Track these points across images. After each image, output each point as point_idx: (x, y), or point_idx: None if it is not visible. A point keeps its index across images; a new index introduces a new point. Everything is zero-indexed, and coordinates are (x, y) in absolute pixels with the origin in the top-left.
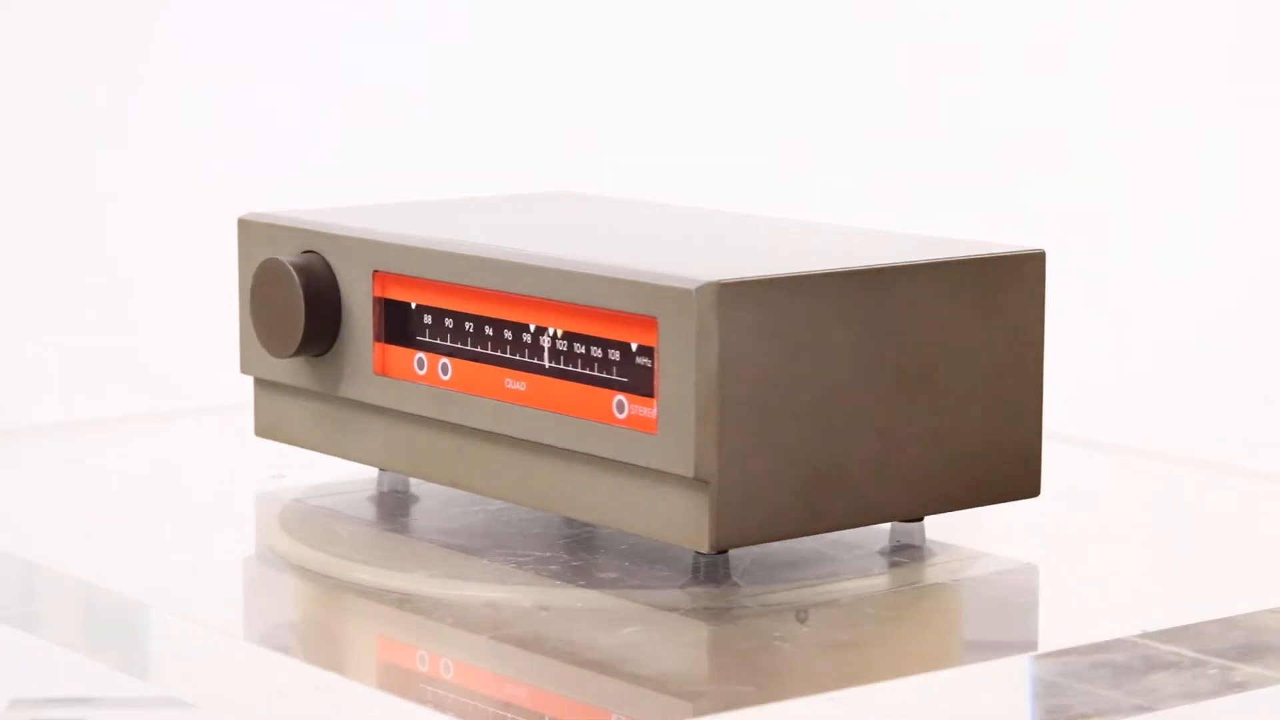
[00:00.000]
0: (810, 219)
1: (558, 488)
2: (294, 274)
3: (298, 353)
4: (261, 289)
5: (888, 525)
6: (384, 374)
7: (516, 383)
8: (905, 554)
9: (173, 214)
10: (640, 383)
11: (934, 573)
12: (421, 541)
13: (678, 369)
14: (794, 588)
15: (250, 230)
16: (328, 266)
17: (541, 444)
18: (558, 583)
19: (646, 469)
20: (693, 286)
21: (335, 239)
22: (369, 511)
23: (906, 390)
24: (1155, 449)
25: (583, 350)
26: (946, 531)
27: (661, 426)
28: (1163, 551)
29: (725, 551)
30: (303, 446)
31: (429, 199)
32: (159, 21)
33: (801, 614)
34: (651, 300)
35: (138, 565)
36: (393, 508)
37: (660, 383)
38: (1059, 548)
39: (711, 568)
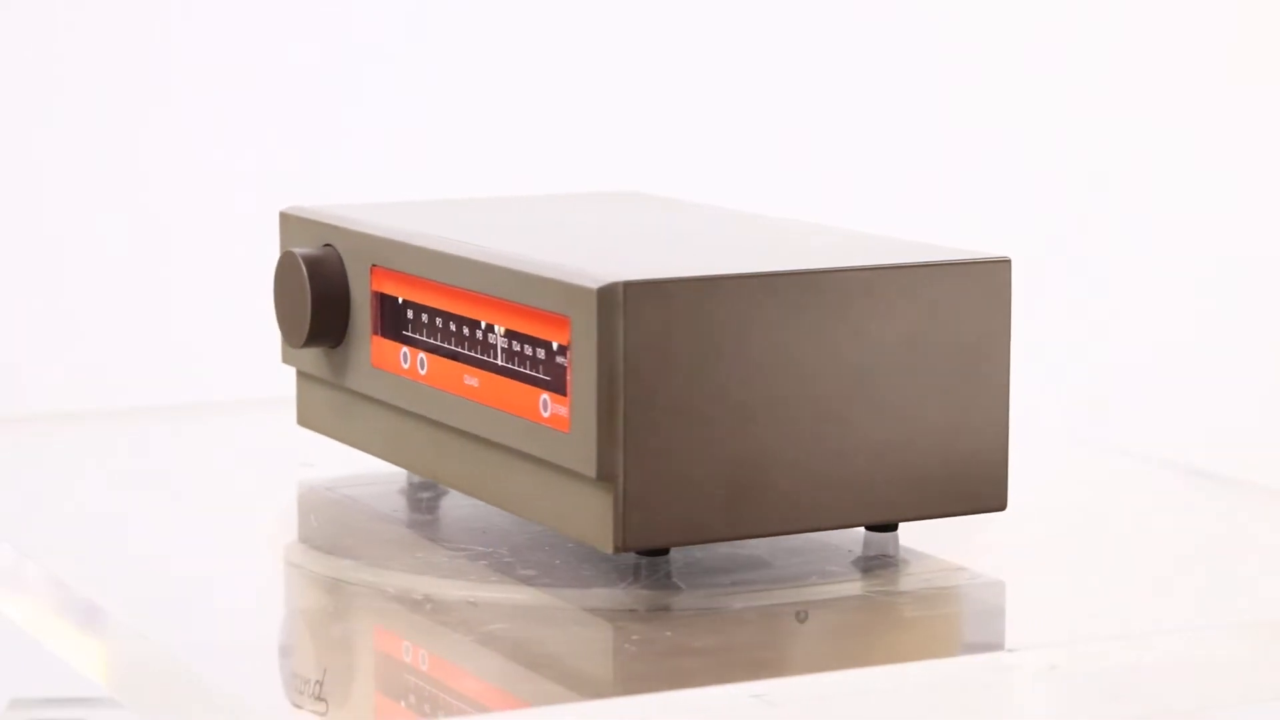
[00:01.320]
0: (833, 222)
1: (500, 484)
2: (303, 266)
3: (308, 343)
4: (280, 281)
5: (861, 534)
6: (378, 367)
7: (472, 379)
8: (867, 564)
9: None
10: (558, 382)
11: (880, 582)
12: (408, 534)
13: (585, 368)
14: (729, 593)
15: (289, 223)
16: (340, 261)
17: (489, 440)
18: (502, 578)
19: (563, 468)
20: (596, 286)
21: (347, 234)
22: (379, 504)
23: (849, 398)
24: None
25: (519, 349)
26: (941, 541)
27: (572, 425)
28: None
29: (663, 553)
30: (329, 436)
31: (465, 198)
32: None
33: (801, 614)
34: (564, 299)
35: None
36: (412, 500)
37: (571, 382)
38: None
39: (652, 569)
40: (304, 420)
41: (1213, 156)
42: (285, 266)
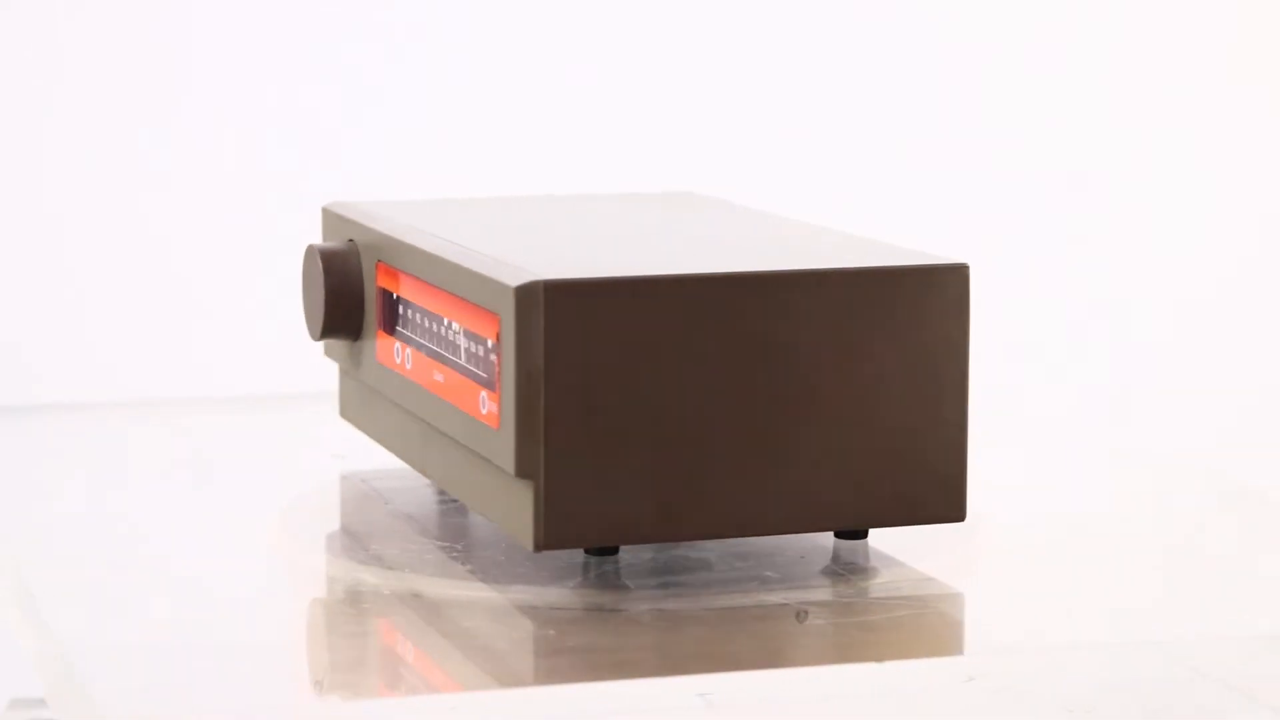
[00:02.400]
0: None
1: (461, 480)
2: (319, 260)
3: (324, 335)
4: (304, 274)
5: (830, 541)
6: (381, 362)
7: (439, 375)
8: (830, 571)
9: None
10: (492, 379)
11: (842, 591)
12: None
13: (508, 366)
14: (675, 595)
15: (328, 218)
16: (358, 256)
17: (450, 436)
18: (453, 575)
19: (496, 465)
20: (514, 284)
21: (365, 230)
22: (400, 498)
23: (792, 403)
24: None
25: (467, 345)
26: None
27: (500, 423)
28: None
29: (613, 552)
30: (358, 428)
31: (505, 196)
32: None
33: (802, 614)
34: (494, 297)
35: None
36: (436, 496)
37: (499, 379)
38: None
39: (600, 568)
40: (343, 412)
41: (1210, 156)
42: (307, 260)
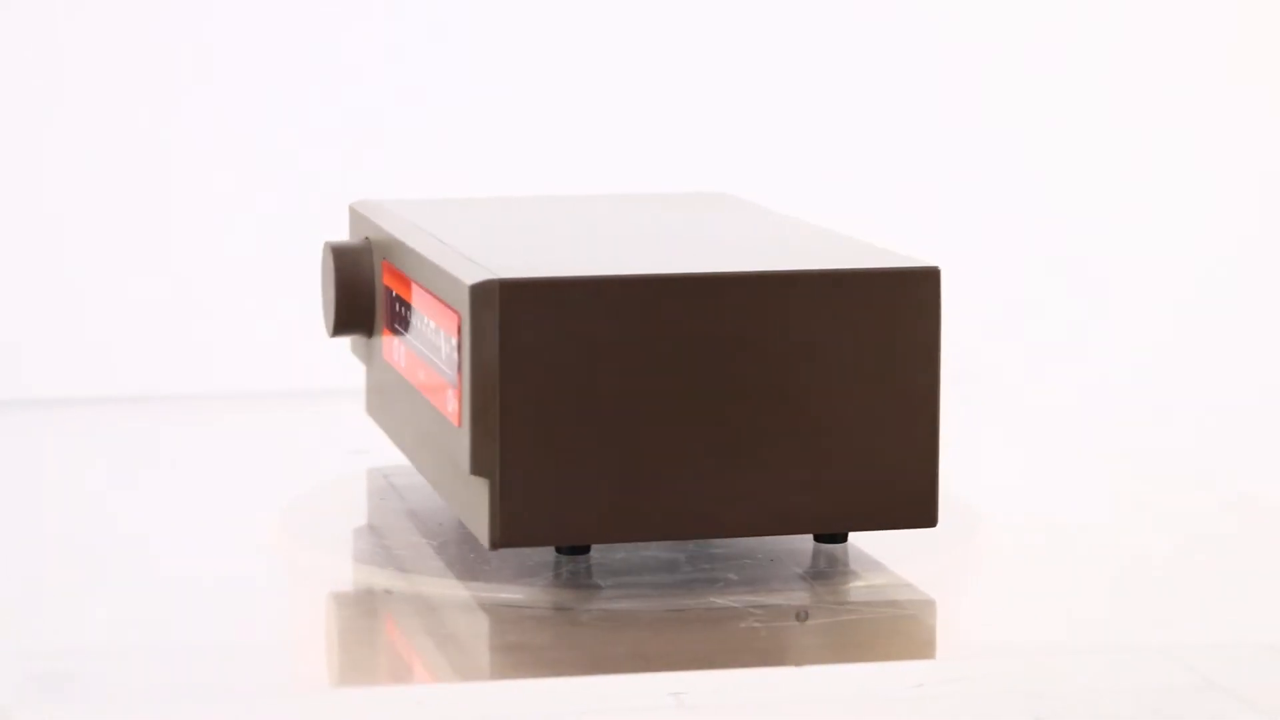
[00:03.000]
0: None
1: (435, 477)
2: (332, 258)
3: (336, 332)
4: (321, 272)
5: (810, 544)
6: (385, 359)
7: (422, 373)
8: (792, 574)
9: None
10: (456, 377)
11: (807, 595)
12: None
13: (466, 364)
14: (640, 596)
15: (353, 217)
16: (371, 254)
17: (429, 434)
18: (423, 571)
19: (458, 463)
20: (470, 283)
21: (377, 228)
22: (412, 494)
23: (755, 406)
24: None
25: (438, 343)
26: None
27: (461, 420)
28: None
29: (584, 550)
30: (378, 424)
31: (520, 195)
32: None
33: (802, 615)
34: (457, 295)
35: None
36: None
37: (460, 377)
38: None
39: (572, 567)
40: (367, 409)
41: (1210, 156)
42: (323, 257)
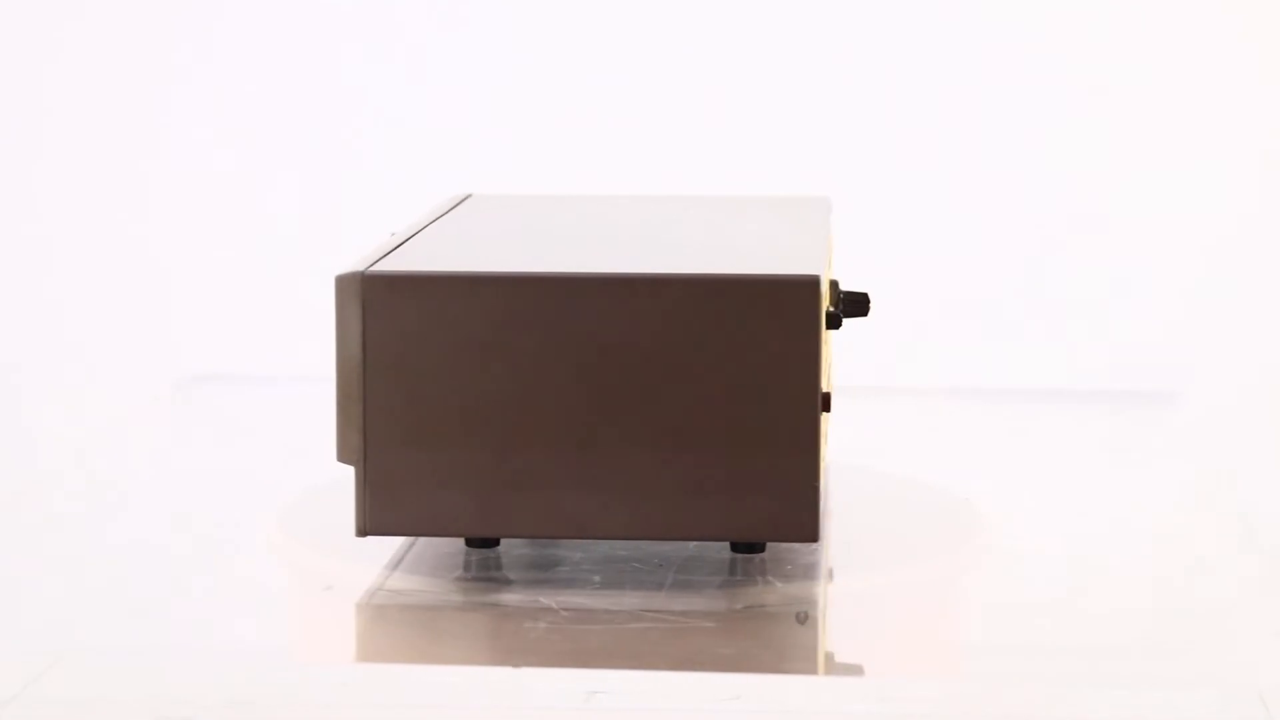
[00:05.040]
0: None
1: None
2: None
3: None
4: None
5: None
6: None
7: None
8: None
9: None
10: None
11: (713, 600)
12: None
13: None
14: (539, 590)
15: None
16: None
17: None
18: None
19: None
20: (338, 274)
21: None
22: None
23: (624, 408)
24: None
25: None
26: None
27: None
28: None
29: (493, 545)
30: None
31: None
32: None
33: (802, 615)
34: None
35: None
36: None
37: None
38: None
39: (482, 561)
40: None
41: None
42: None
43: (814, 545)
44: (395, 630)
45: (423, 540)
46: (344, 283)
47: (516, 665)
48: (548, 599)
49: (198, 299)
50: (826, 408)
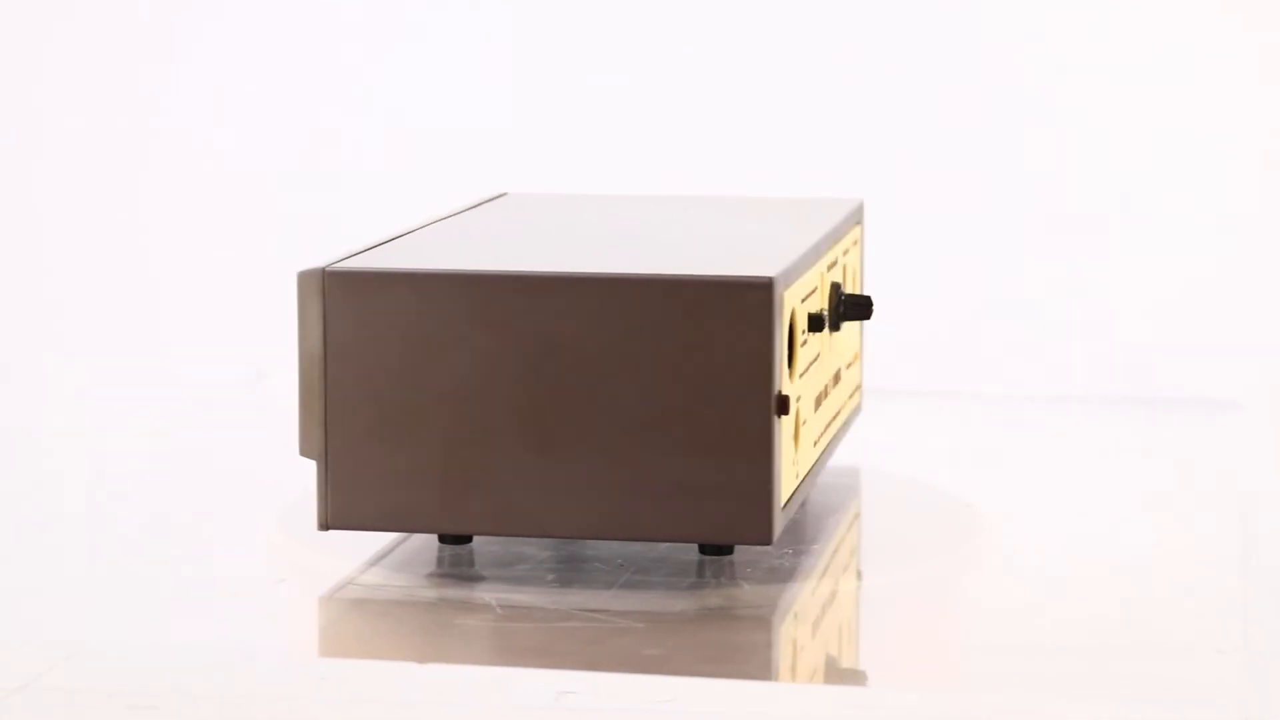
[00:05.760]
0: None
1: None
2: None
3: None
4: None
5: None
6: None
7: None
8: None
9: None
10: None
11: (678, 600)
12: None
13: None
14: (490, 587)
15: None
16: None
17: None
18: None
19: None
20: (299, 271)
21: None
22: None
23: (579, 407)
24: None
25: None
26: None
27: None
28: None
29: (466, 541)
30: None
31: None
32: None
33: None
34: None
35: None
36: None
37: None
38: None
39: (455, 559)
40: None
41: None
42: None
43: (790, 549)
44: (338, 624)
45: (417, 537)
46: (305, 279)
47: (422, 662)
48: (490, 596)
49: (198, 299)
50: (784, 410)
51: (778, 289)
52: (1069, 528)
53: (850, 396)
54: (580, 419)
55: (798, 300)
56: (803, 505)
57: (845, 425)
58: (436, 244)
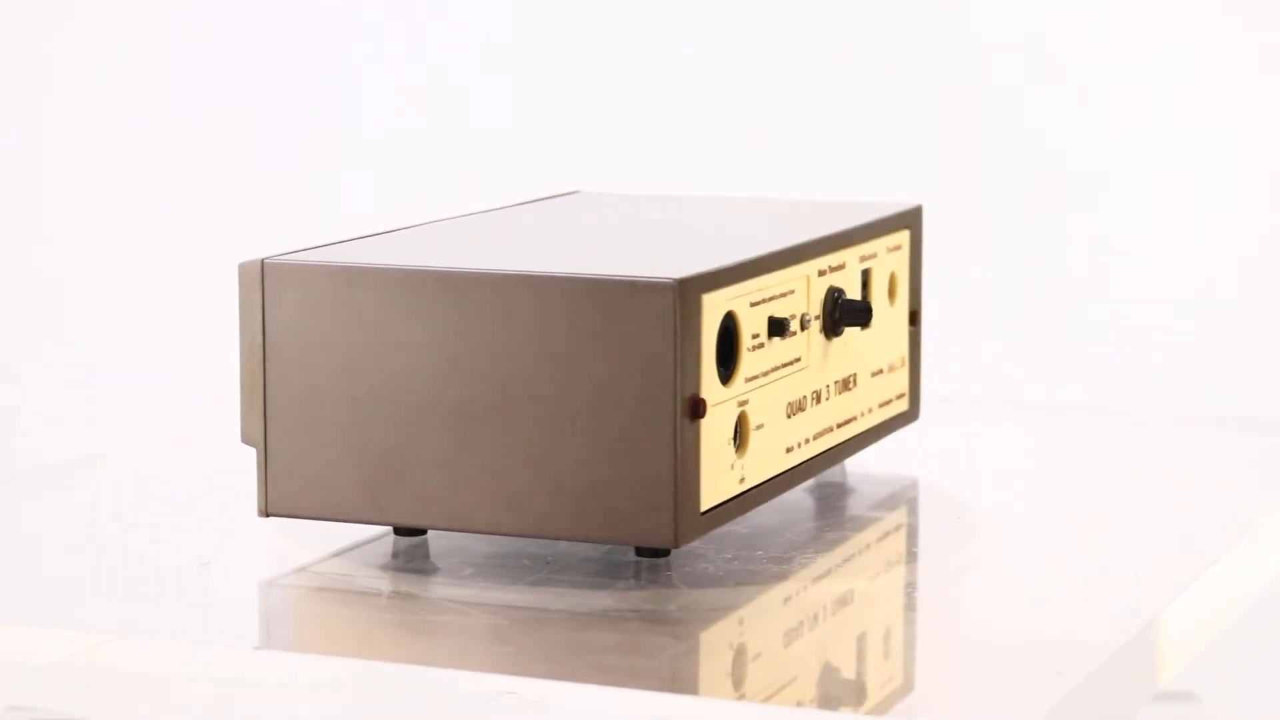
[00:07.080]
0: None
1: None
2: None
3: None
4: None
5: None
6: None
7: None
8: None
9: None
10: None
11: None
12: None
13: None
14: (405, 578)
15: None
16: None
17: None
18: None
19: None
20: (240, 262)
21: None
22: None
23: (496, 404)
24: None
25: None
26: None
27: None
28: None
29: (415, 533)
30: None
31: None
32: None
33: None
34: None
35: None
36: None
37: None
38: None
39: (409, 552)
40: None
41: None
42: None
43: (739, 553)
44: (269, 613)
45: (376, 529)
46: (246, 270)
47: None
48: (397, 586)
49: (197, 300)
50: (698, 413)
51: (690, 291)
52: (1069, 528)
53: (885, 404)
54: (498, 417)
55: (745, 304)
56: (791, 508)
57: (876, 431)
58: (395, 241)
